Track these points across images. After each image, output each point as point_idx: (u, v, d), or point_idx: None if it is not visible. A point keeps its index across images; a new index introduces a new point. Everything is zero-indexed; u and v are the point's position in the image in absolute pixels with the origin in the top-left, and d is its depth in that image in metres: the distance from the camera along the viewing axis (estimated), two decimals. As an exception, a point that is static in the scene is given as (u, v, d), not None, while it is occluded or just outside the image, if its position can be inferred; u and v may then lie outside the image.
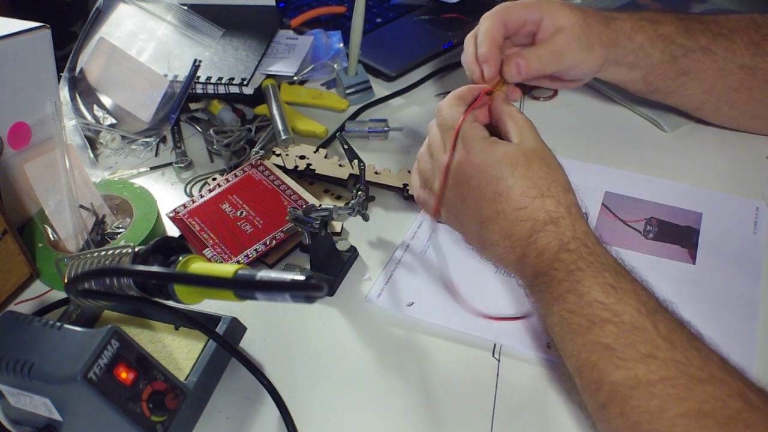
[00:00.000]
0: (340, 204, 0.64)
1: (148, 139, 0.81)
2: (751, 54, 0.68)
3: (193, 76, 0.83)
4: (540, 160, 0.53)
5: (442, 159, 0.57)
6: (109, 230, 0.68)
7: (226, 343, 0.53)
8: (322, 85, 0.90)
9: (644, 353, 0.43)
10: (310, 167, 0.73)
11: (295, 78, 0.87)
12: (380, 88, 0.88)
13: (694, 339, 0.45)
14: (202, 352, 0.54)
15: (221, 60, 0.85)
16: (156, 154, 0.81)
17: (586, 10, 0.65)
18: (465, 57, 0.65)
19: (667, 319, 0.46)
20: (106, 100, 0.83)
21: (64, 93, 0.81)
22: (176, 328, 0.57)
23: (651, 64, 0.68)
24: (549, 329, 0.51)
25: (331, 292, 0.62)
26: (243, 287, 0.39)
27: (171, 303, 0.44)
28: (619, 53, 0.67)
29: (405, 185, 0.70)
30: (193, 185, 0.76)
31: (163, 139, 0.83)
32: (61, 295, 0.63)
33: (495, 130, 0.58)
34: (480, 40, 0.63)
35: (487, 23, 0.63)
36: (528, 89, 0.84)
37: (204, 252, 0.65)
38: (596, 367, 0.45)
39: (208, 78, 0.83)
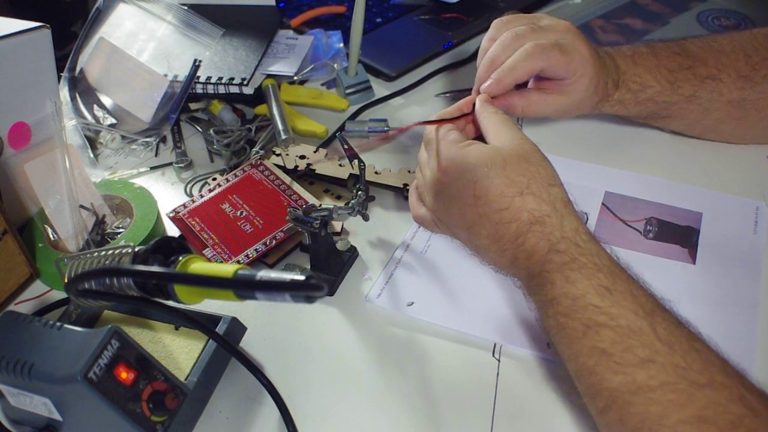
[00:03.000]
0: (340, 204, 0.64)
1: (148, 139, 0.81)
2: (738, 89, 0.67)
3: (193, 76, 0.83)
4: (517, 158, 0.51)
5: (426, 173, 0.57)
6: (109, 230, 0.68)
7: (226, 343, 0.53)
8: (322, 85, 0.90)
9: (643, 358, 0.43)
10: (310, 167, 0.73)
11: (295, 78, 0.87)
12: (380, 88, 0.88)
13: (693, 340, 0.44)
14: (202, 352, 0.54)
15: (221, 60, 0.85)
16: (156, 154, 0.81)
17: (597, 59, 0.64)
18: (484, 60, 0.62)
19: (665, 320, 0.45)
20: (106, 100, 0.83)
21: (64, 93, 0.81)
22: (176, 328, 0.57)
23: (632, 115, 0.71)
24: (547, 331, 0.50)
25: (331, 292, 0.62)
26: (243, 287, 0.39)
27: (171, 303, 0.44)
28: (605, 108, 0.69)
29: (405, 185, 0.70)
30: (193, 185, 0.76)
31: (163, 139, 0.82)
32: (61, 295, 0.63)
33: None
34: (507, 67, 0.59)
35: (525, 59, 0.59)
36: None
37: (204, 252, 0.65)
38: (594, 372, 0.44)
39: (208, 78, 0.83)
